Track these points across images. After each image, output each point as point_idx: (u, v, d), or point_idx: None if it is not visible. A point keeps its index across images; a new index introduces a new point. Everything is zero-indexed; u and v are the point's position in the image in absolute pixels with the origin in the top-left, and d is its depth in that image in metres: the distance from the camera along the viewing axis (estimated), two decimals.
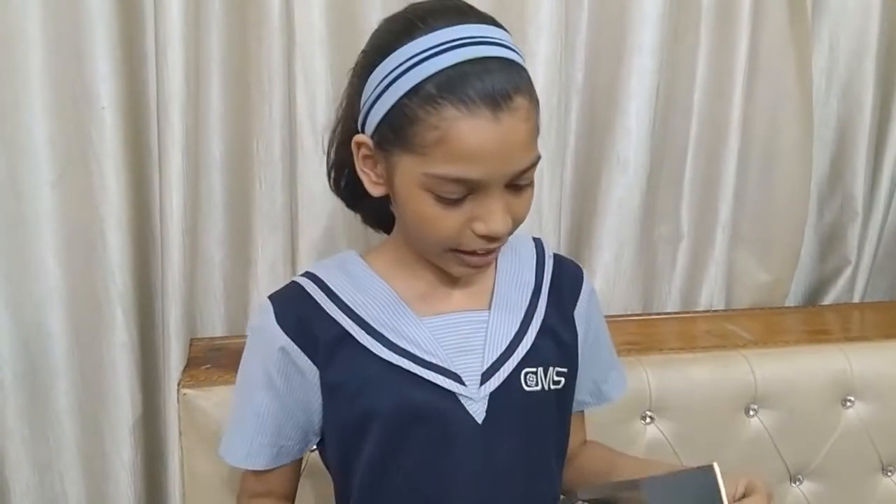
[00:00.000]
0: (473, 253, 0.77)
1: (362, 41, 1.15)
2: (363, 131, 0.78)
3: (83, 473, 1.20)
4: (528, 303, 0.85)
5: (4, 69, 1.08)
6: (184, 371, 1.10)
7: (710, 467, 0.67)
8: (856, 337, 1.29)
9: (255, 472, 0.86)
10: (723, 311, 1.43)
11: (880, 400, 1.22)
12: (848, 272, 1.49)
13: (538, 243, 0.92)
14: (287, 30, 1.14)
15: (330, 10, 1.15)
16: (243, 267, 1.23)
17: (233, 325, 1.24)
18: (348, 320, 0.80)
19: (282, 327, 0.80)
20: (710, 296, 1.43)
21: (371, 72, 0.75)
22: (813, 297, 1.54)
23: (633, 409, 1.13)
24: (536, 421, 0.82)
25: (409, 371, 0.78)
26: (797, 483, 1.23)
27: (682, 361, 1.17)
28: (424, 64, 0.71)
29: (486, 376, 0.80)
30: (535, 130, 0.75)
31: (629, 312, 1.36)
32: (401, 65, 0.72)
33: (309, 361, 0.80)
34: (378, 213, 0.88)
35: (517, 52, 0.75)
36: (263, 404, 0.82)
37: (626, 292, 1.35)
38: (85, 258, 1.15)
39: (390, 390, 0.78)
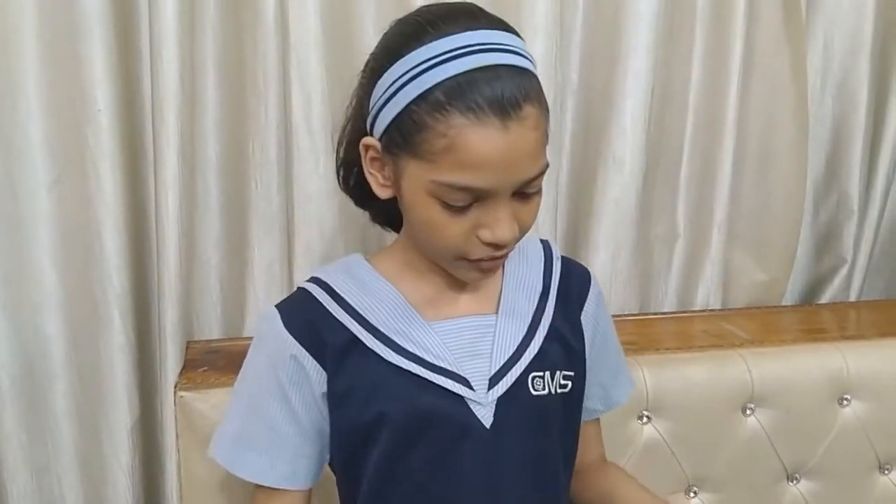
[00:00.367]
0: (480, 260, 0.77)
1: (357, 43, 1.17)
2: (372, 133, 0.77)
3: (81, 476, 1.20)
4: (535, 306, 0.85)
5: (1, 72, 1.08)
6: (180, 373, 1.10)
7: None
8: (852, 336, 1.29)
9: (267, 491, 0.83)
10: (719, 310, 1.43)
11: (877, 398, 1.22)
12: (844, 271, 1.49)
13: (546, 245, 0.91)
14: (282, 31, 1.14)
15: (325, 12, 1.15)
16: (240, 268, 1.23)
17: (229, 327, 1.24)
18: (357, 325, 0.80)
19: (291, 333, 0.80)
20: (706, 295, 1.43)
21: (380, 75, 0.74)
22: (809, 296, 1.54)
23: (630, 409, 1.13)
24: (544, 425, 0.83)
25: (418, 375, 0.78)
26: (794, 482, 1.23)
27: (678, 361, 1.17)
28: (434, 70, 0.70)
29: (493, 381, 0.80)
30: (545, 138, 0.74)
31: (626, 312, 1.37)
32: (410, 70, 0.71)
33: (318, 366, 0.79)
34: (387, 213, 0.88)
35: (528, 58, 0.74)
36: (278, 417, 0.81)
37: (622, 292, 1.35)
38: (82, 261, 1.15)
39: (399, 395, 0.78)
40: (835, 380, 1.21)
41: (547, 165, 0.75)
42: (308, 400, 0.80)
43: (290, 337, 0.80)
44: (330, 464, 0.86)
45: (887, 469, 1.25)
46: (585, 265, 0.94)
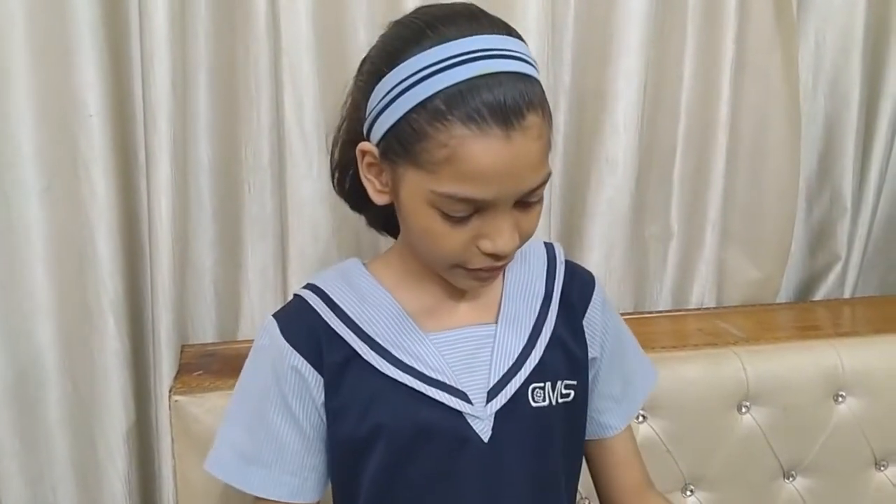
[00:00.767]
0: (479, 269, 0.75)
1: (349, 46, 1.17)
2: (368, 138, 0.75)
3: (76, 485, 1.19)
4: (536, 315, 0.83)
5: None
6: (175, 378, 1.10)
7: None
8: (847, 332, 1.30)
9: None
10: (714, 308, 1.44)
11: (872, 395, 1.22)
12: (838, 268, 1.49)
13: (550, 249, 0.89)
14: (274, 35, 1.14)
15: (316, 16, 1.14)
16: (234, 272, 1.23)
17: (224, 331, 1.24)
18: (354, 337, 0.78)
19: (290, 343, 0.79)
20: (701, 294, 1.43)
21: (378, 79, 0.72)
22: (803, 293, 1.54)
23: None
24: (544, 437, 0.81)
25: (414, 389, 0.77)
26: (790, 479, 1.23)
27: (674, 360, 1.17)
28: (434, 77, 0.68)
29: (492, 394, 0.78)
30: (548, 147, 0.72)
31: (621, 312, 1.36)
32: (410, 76, 0.69)
33: (317, 374, 0.78)
34: (384, 217, 0.87)
35: (531, 63, 0.72)
36: (282, 429, 0.79)
37: (617, 292, 1.35)
38: (75, 267, 1.14)
39: (396, 408, 0.77)
40: (830, 377, 1.21)
41: (549, 174, 0.73)
42: (310, 410, 0.79)
43: (290, 347, 0.78)
44: (329, 479, 0.85)
45: (883, 465, 1.26)
46: (580, 265, 0.93)
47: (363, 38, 1.17)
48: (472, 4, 0.74)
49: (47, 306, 1.13)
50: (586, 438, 0.91)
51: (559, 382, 0.81)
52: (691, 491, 1.19)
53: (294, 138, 1.16)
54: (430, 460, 0.77)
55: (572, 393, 0.83)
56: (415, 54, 0.69)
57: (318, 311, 0.80)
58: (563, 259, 0.89)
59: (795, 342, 1.25)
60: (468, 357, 0.80)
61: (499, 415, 0.78)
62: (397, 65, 0.70)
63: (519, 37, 0.74)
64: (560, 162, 1.32)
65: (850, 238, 1.48)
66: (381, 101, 0.72)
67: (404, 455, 0.77)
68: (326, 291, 0.81)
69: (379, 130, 0.73)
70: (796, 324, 1.38)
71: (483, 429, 0.78)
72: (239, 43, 1.16)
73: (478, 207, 0.71)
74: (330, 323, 0.79)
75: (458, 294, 0.82)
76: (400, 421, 0.77)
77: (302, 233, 1.19)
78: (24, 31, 1.07)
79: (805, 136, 1.41)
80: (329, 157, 0.87)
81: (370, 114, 0.74)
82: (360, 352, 0.78)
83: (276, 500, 0.81)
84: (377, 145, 0.74)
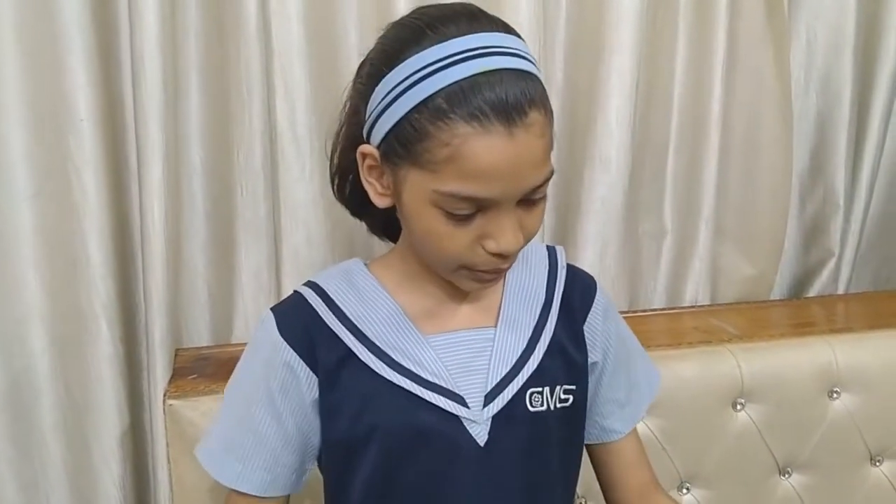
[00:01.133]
0: (483, 270, 0.75)
1: (341, 48, 1.17)
2: (369, 140, 0.75)
3: (70, 491, 1.18)
4: (536, 319, 0.83)
5: None
6: (170, 382, 1.09)
7: None
8: (841, 328, 1.30)
9: (244, 497, 0.82)
10: (708, 306, 1.44)
11: (866, 390, 1.22)
12: (832, 264, 1.50)
13: (552, 253, 0.89)
14: (265, 37, 1.14)
15: (307, 17, 1.14)
16: (227, 275, 1.22)
17: (218, 334, 1.23)
18: (351, 337, 0.78)
19: (285, 338, 0.78)
20: (695, 291, 1.43)
21: (378, 81, 0.71)
22: (797, 289, 1.55)
23: None
24: (540, 442, 0.81)
25: (411, 392, 0.76)
26: (786, 476, 1.23)
27: (669, 358, 1.17)
28: (435, 76, 0.67)
29: (489, 398, 0.78)
30: (550, 145, 0.72)
31: None
32: (410, 76, 0.68)
33: (310, 372, 0.78)
34: (385, 222, 0.86)
35: (531, 61, 0.71)
36: (263, 423, 0.80)
37: (611, 290, 1.35)
38: (67, 272, 1.14)
39: (392, 411, 0.77)
40: (824, 373, 1.21)
41: (552, 172, 0.73)
42: (296, 408, 0.79)
43: (284, 342, 0.78)
44: (323, 476, 0.85)
45: (878, 461, 1.26)
46: (574, 264, 0.92)
47: (354, 40, 1.17)
48: (470, 4, 0.74)
49: (40, 311, 1.13)
50: (592, 443, 0.91)
51: (558, 387, 0.81)
52: (687, 489, 1.19)
53: (286, 140, 1.15)
54: (426, 463, 0.77)
55: (571, 398, 0.82)
56: (415, 54, 0.69)
57: (317, 309, 0.80)
58: (564, 263, 0.88)
59: (790, 339, 1.26)
60: (467, 360, 0.79)
61: (496, 419, 0.78)
62: (397, 65, 0.70)
63: (518, 35, 0.73)
64: (553, 160, 1.31)
65: (844, 234, 1.49)
66: (381, 102, 0.71)
67: (399, 458, 0.77)
68: (326, 290, 0.81)
69: (379, 132, 0.72)
70: (790, 320, 1.38)
71: (479, 433, 0.77)
72: (230, 45, 1.15)
73: (481, 206, 0.70)
74: (327, 322, 0.79)
75: (459, 297, 0.82)
76: (396, 423, 0.77)
77: (295, 235, 1.19)
78: (14, 35, 1.06)
79: (797, 132, 1.42)
80: (328, 164, 0.86)
81: (370, 116, 0.73)
82: (356, 352, 0.77)
83: (246, 493, 0.81)
84: (378, 147, 0.73)
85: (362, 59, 0.77)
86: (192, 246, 1.19)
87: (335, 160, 0.85)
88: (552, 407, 0.80)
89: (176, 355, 1.15)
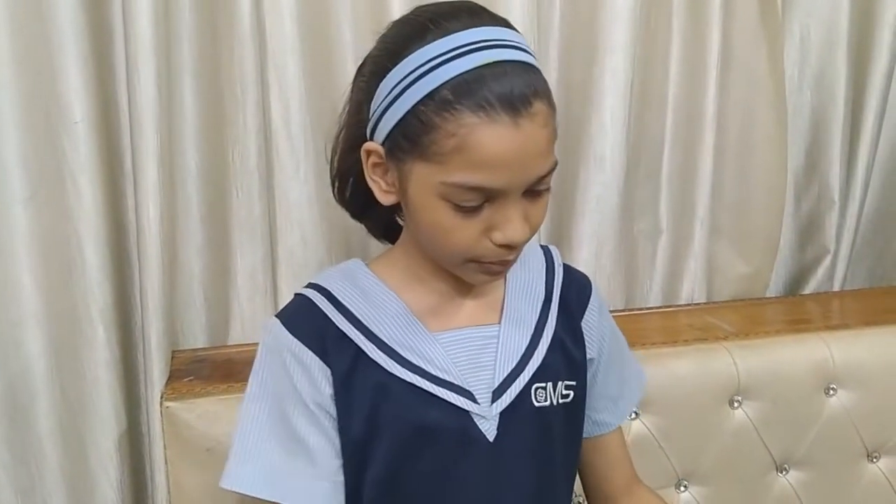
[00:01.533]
0: (490, 263, 0.75)
1: (334, 47, 1.17)
2: (372, 138, 0.75)
3: (68, 494, 1.18)
4: (538, 316, 0.84)
5: None
6: (166, 384, 1.09)
7: None
8: (836, 325, 1.30)
9: None
10: (704, 304, 1.44)
11: (862, 387, 1.23)
12: (827, 261, 1.50)
13: (548, 252, 0.90)
14: (258, 38, 1.14)
15: (301, 17, 1.14)
16: (223, 277, 1.22)
17: (214, 336, 1.23)
18: (361, 336, 0.78)
19: (297, 337, 0.77)
20: (690, 289, 1.44)
21: (382, 77, 0.72)
22: (793, 286, 1.55)
23: None
24: (545, 437, 0.81)
25: (422, 389, 0.77)
26: (783, 473, 1.23)
27: (665, 356, 1.18)
28: (440, 69, 0.68)
29: (497, 393, 0.79)
30: (554, 136, 0.73)
31: (611, 308, 1.36)
32: (415, 70, 0.69)
33: (324, 366, 0.77)
34: (385, 224, 0.87)
35: (532, 55, 0.73)
36: (307, 433, 0.77)
37: (607, 288, 1.35)
38: (63, 275, 1.13)
39: (403, 408, 0.77)
40: (820, 370, 1.21)
41: (556, 163, 0.74)
42: (322, 405, 0.77)
43: (296, 341, 0.77)
44: None
45: (875, 457, 1.26)
46: (570, 263, 0.93)
47: (349, 39, 1.17)
48: (470, 1, 0.75)
49: (35, 316, 1.12)
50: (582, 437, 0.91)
51: (560, 383, 0.82)
52: (685, 486, 1.19)
53: (281, 140, 1.16)
54: (436, 459, 0.78)
55: (571, 393, 0.83)
56: (419, 48, 0.70)
57: (325, 310, 0.79)
58: (560, 262, 0.90)
59: (786, 336, 1.26)
60: (473, 357, 0.80)
61: (503, 414, 0.78)
62: (401, 60, 0.71)
63: (517, 31, 0.74)
64: None
65: (839, 231, 1.49)
66: (386, 97, 0.72)
67: (410, 454, 0.77)
68: (332, 291, 0.81)
69: (385, 128, 0.73)
70: (786, 318, 1.38)
71: (488, 428, 0.78)
72: (224, 46, 1.15)
73: (488, 196, 0.71)
74: (336, 322, 0.79)
75: (463, 294, 0.83)
76: (407, 420, 0.77)
77: (291, 236, 1.19)
78: (7, 37, 1.05)
79: (792, 130, 1.42)
80: (329, 167, 0.86)
81: (374, 112, 0.74)
82: (367, 351, 0.78)
83: None
84: (383, 144, 0.74)
85: (363, 59, 0.78)
86: (188, 248, 1.19)
87: (335, 163, 0.85)
88: (555, 402, 0.81)
89: (172, 357, 1.15)
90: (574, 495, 0.90)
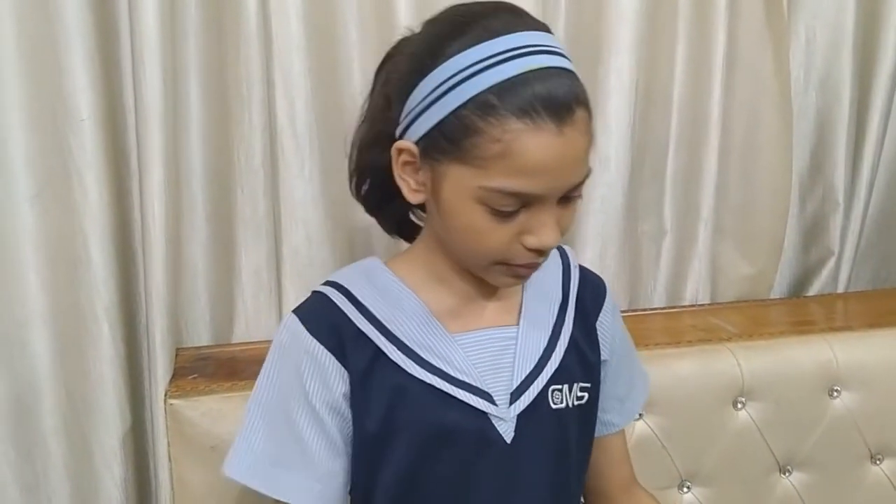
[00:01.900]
0: (519, 265, 0.75)
1: (340, 46, 1.17)
2: (404, 136, 0.75)
3: (72, 492, 1.18)
4: (555, 317, 0.84)
5: None
6: (170, 381, 1.09)
7: None
8: (840, 327, 1.30)
9: None
10: (708, 305, 1.44)
11: (866, 389, 1.23)
12: (831, 263, 1.50)
13: (563, 253, 0.90)
14: (264, 36, 1.14)
15: (307, 16, 1.14)
16: (227, 275, 1.22)
17: (218, 334, 1.23)
18: (380, 336, 0.78)
19: (313, 335, 0.77)
20: (694, 290, 1.44)
21: (422, 76, 0.71)
22: (797, 288, 1.55)
23: None
24: (561, 438, 0.82)
25: (441, 390, 0.77)
26: (786, 474, 1.23)
27: (668, 357, 1.18)
28: (486, 73, 0.68)
29: (515, 395, 0.79)
30: (591, 142, 0.73)
31: None
32: (459, 72, 0.69)
33: (340, 366, 0.77)
34: (398, 220, 0.87)
35: (571, 61, 0.73)
36: (306, 430, 0.77)
37: (611, 289, 1.34)
38: (68, 273, 1.14)
39: (422, 408, 0.77)
40: (824, 371, 1.21)
41: (590, 169, 0.74)
42: (333, 407, 0.78)
43: (312, 338, 0.77)
44: (351, 471, 0.83)
45: (878, 459, 1.26)
46: None
47: (354, 38, 1.17)
48: (510, 3, 0.74)
49: (41, 313, 1.12)
50: None
51: (575, 385, 0.82)
52: (688, 487, 1.19)
53: (286, 139, 1.16)
54: (454, 460, 0.77)
55: (586, 395, 0.83)
56: (461, 51, 0.69)
57: (343, 309, 0.79)
58: (576, 263, 0.90)
59: (789, 337, 1.26)
60: (492, 358, 0.80)
61: (521, 416, 0.79)
62: (442, 61, 0.70)
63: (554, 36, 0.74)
64: None
65: (843, 233, 1.49)
66: (426, 97, 0.71)
67: (428, 455, 0.77)
68: (351, 290, 0.80)
69: (421, 128, 0.72)
70: (790, 319, 1.38)
71: (506, 430, 0.78)
72: (230, 44, 1.15)
73: (526, 202, 0.71)
74: (355, 321, 0.78)
75: (482, 295, 0.82)
76: (426, 421, 0.77)
77: (295, 234, 1.19)
78: (14, 36, 1.06)
79: (797, 131, 1.42)
80: (347, 161, 0.86)
81: (410, 112, 0.73)
82: (386, 351, 0.77)
83: None
84: (417, 143, 0.73)
85: (385, 56, 0.77)
86: (193, 246, 1.19)
87: (354, 156, 0.85)
88: (570, 404, 0.82)
89: (176, 355, 1.15)
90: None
